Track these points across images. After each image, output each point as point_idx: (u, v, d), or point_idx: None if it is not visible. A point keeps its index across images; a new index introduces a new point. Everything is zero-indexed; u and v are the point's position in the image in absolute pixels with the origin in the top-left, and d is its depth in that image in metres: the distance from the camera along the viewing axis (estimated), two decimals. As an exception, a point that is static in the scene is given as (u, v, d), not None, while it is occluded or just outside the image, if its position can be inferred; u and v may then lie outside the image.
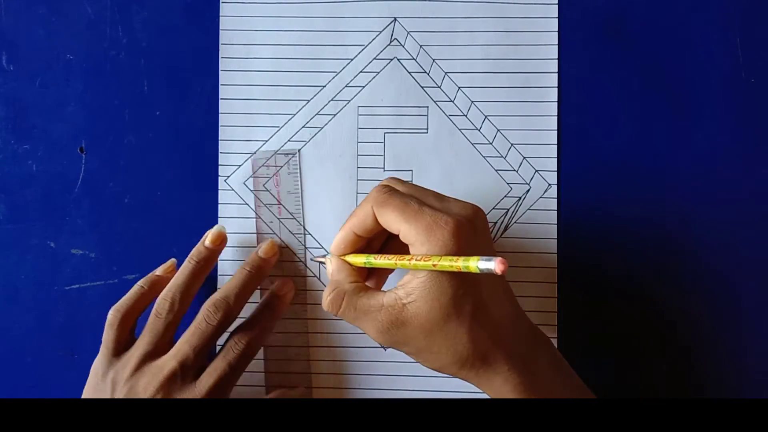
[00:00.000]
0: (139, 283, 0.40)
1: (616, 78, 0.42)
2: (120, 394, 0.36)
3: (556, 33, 0.42)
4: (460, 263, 0.29)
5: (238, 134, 0.42)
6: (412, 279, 0.32)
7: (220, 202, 0.42)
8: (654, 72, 0.42)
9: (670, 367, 0.41)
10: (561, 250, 0.41)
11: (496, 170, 0.42)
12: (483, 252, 0.32)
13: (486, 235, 0.34)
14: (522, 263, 0.42)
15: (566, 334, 0.41)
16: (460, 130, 0.42)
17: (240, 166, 0.42)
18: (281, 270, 0.42)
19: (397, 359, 0.42)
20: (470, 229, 0.32)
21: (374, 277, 0.38)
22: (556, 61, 0.42)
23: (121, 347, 0.38)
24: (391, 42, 0.42)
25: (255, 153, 0.42)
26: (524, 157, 0.42)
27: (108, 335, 0.38)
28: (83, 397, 0.38)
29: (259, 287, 0.41)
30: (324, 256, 0.39)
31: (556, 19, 0.42)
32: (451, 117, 0.42)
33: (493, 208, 0.42)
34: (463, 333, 0.32)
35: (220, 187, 0.42)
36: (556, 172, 0.42)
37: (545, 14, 0.42)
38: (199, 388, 0.36)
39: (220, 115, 0.42)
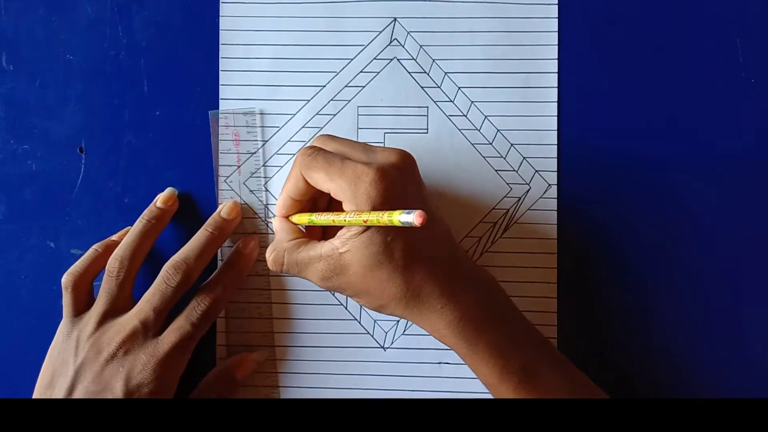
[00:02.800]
0: (94, 246, 0.41)
1: (616, 78, 0.42)
2: (83, 351, 0.37)
3: (556, 33, 0.42)
4: (385, 218, 0.30)
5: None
6: (347, 230, 0.34)
7: (219, 202, 0.42)
8: (654, 72, 0.42)
9: (671, 367, 0.41)
10: (561, 250, 0.41)
11: (496, 170, 0.42)
12: (412, 198, 0.34)
13: (415, 181, 0.35)
14: (522, 263, 0.42)
15: (566, 334, 0.41)
16: (460, 130, 0.42)
17: (240, 166, 0.42)
18: (243, 230, 0.42)
19: (397, 359, 0.42)
20: (396, 175, 0.33)
21: (329, 234, 0.38)
22: (556, 61, 0.42)
23: (80, 308, 0.39)
24: (391, 42, 0.42)
25: (215, 110, 0.42)
26: (524, 157, 0.42)
27: (65, 298, 0.39)
28: (46, 359, 0.39)
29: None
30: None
31: (556, 19, 0.42)
32: (451, 117, 0.42)
33: (493, 208, 0.42)
34: (396, 276, 0.33)
35: (219, 187, 0.42)
36: (556, 172, 0.42)
37: (545, 14, 0.42)
38: (161, 345, 0.37)
39: (220, 115, 0.42)
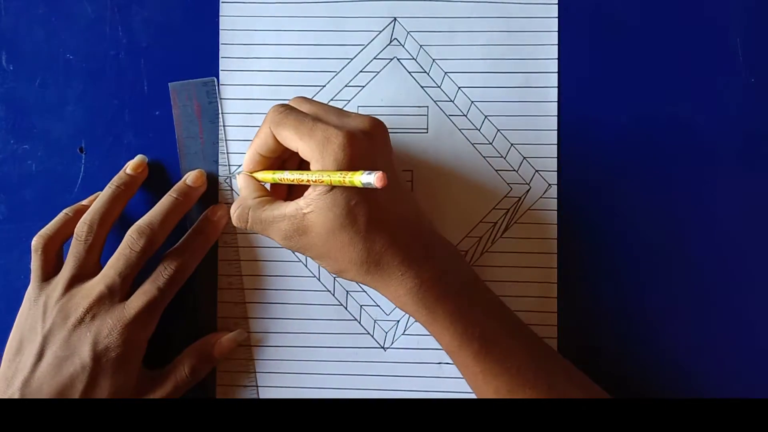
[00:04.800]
0: (65, 210, 0.40)
1: (616, 78, 0.42)
2: (51, 317, 0.37)
3: (556, 33, 0.42)
4: (347, 178, 0.30)
5: (238, 134, 0.42)
6: (312, 191, 0.34)
7: (219, 201, 0.42)
8: (654, 72, 0.42)
9: (672, 366, 0.41)
10: (561, 250, 0.41)
11: (496, 170, 0.42)
12: (379, 166, 0.34)
13: (385, 149, 0.36)
14: (522, 263, 0.42)
15: (566, 334, 0.41)
16: (460, 130, 0.42)
17: (240, 166, 0.42)
18: (209, 200, 0.42)
19: (397, 360, 0.42)
20: (365, 141, 0.33)
21: (294, 195, 0.39)
22: (556, 61, 0.42)
23: (49, 272, 0.39)
24: (391, 42, 0.42)
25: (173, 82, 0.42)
26: (524, 157, 0.42)
27: (34, 262, 0.39)
28: (15, 325, 0.39)
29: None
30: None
31: (556, 19, 0.42)
32: (451, 117, 0.42)
33: (493, 208, 0.42)
34: (358, 240, 0.34)
35: (219, 187, 0.42)
36: (556, 172, 0.42)
37: (545, 14, 0.42)
38: (128, 309, 0.37)
39: (219, 115, 0.42)
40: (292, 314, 0.42)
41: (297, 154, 0.35)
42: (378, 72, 0.42)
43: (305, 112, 0.35)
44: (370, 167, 0.32)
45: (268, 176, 0.37)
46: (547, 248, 0.41)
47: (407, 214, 0.36)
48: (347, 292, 0.42)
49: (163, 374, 0.39)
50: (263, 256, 0.42)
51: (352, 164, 0.32)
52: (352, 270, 0.35)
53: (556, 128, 0.42)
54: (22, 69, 0.43)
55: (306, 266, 0.42)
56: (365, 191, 0.33)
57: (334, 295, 0.42)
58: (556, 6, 0.42)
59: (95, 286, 0.38)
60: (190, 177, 0.41)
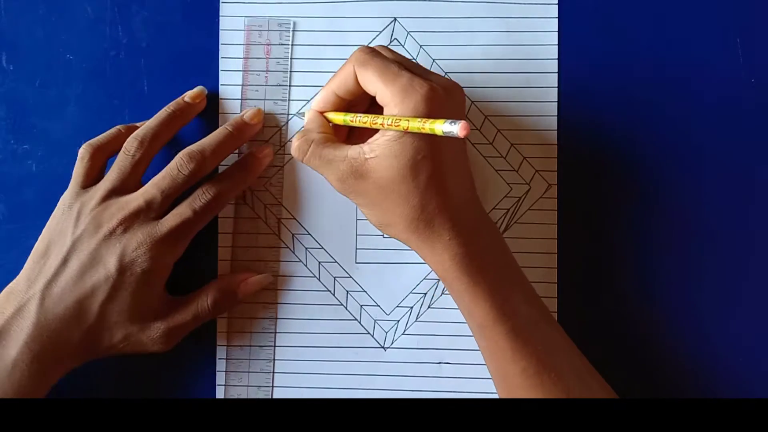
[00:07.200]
0: (118, 126, 0.40)
1: (616, 78, 0.42)
2: (83, 224, 0.37)
3: (556, 33, 0.42)
4: (427, 125, 0.30)
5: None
6: (380, 137, 0.33)
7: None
8: (654, 72, 0.42)
9: (673, 366, 0.41)
10: (561, 250, 0.41)
11: (496, 170, 0.42)
12: None
13: (461, 111, 0.36)
14: (522, 263, 0.41)
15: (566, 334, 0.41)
16: (460, 130, 0.42)
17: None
18: (262, 140, 0.42)
19: (397, 359, 0.42)
20: (445, 98, 0.33)
21: (353, 139, 0.38)
22: (556, 61, 0.42)
23: (90, 181, 0.39)
24: (391, 42, 0.42)
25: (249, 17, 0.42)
26: (524, 157, 0.42)
27: (78, 168, 0.39)
28: (45, 228, 0.39)
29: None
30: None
31: (556, 19, 0.42)
32: (451, 117, 0.42)
33: (493, 208, 0.42)
34: (415, 196, 0.33)
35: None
36: (556, 172, 0.42)
37: (545, 14, 0.42)
38: (161, 227, 0.37)
39: (219, 115, 0.42)
40: (292, 314, 0.42)
41: (365, 104, 0.35)
42: (378, 72, 0.42)
43: (391, 59, 0.35)
44: None
45: (339, 117, 0.36)
46: (547, 248, 0.41)
47: (465, 182, 0.36)
48: (347, 292, 0.42)
49: (186, 301, 0.39)
50: (263, 256, 0.42)
51: (429, 116, 0.32)
52: (399, 225, 0.34)
53: (556, 128, 0.42)
54: (22, 69, 0.43)
55: (306, 266, 0.42)
56: (432, 148, 0.33)
57: (334, 295, 0.42)
58: (556, 6, 0.42)
59: (134, 199, 0.37)
60: (248, 113, 0.41)
